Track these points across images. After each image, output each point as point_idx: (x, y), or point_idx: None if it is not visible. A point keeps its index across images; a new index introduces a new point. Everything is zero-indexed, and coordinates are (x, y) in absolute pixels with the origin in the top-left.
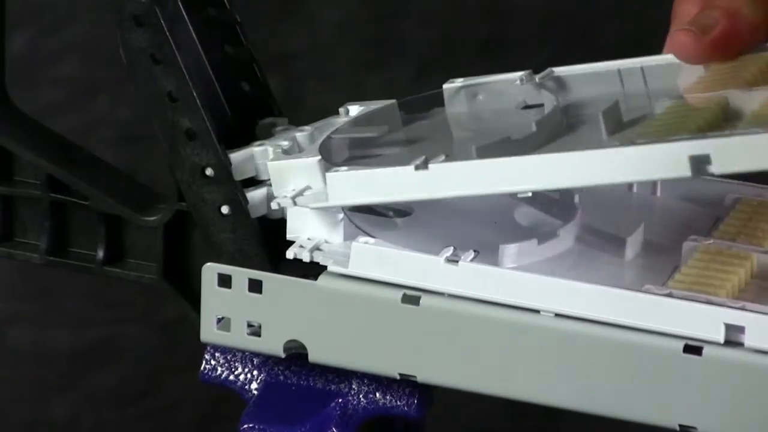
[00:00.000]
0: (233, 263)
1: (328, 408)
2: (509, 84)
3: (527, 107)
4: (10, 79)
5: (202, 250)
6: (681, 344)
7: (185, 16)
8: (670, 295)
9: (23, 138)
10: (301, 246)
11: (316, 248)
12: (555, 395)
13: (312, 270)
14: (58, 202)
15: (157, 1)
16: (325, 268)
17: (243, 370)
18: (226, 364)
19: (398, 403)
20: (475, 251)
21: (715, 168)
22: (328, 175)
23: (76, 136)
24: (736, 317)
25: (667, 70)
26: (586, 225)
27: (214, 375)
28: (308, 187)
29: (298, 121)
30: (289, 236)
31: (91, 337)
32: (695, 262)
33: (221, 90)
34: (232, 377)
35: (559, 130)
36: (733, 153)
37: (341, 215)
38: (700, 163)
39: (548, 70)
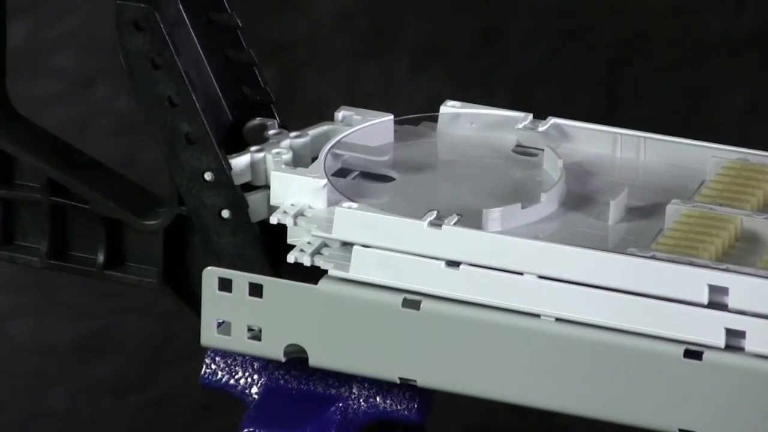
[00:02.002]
0: (234, 267)
1: (328, 412)
2: (507, 122)
3: (520, 148)
4: (9, 71)
5: (202, 254)
6: (681, 349)
7: (186, 20)
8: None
9: (24, 141)
10: (302, 250)
11: (317, 252)
12: (555, 400)
13: (312, 274)
14: (59, 205)
15: (157, 5)
16: (325, 272)
17: (243, 374)
18: (227, 369)
19: (398, 407)
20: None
21: (749, 345)
22: (337, 209)
23: (74, 126)
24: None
25: (667, 149)
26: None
27: (214, 379)
28: (309, 207)
29: (295, 112)
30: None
31: (90, 328)
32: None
33: (222, 94)
34: (232, 381)
35: (563, 199)
36: (751, 291)
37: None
38: (718, 292)
39: (550, 120)
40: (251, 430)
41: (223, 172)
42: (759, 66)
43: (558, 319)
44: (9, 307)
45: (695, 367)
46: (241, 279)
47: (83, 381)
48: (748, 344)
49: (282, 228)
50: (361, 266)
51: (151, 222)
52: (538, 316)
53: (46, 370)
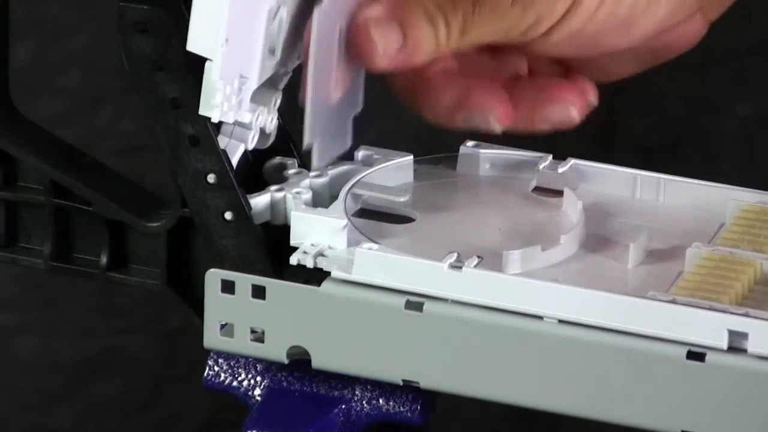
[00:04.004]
0: (236, 269)
1: (331, 414)
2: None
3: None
4: (14, 91)
5: (205, 256)
6: (684, 350)
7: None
8: (673, 302)
9: (27, 143)
10: (305, 252)
11: (320, 254)
12: (558, 401)
13: (315, 276)
14: (62, 207)
15: (161, 6)
16: (328, 273)
17: (246, 376)
18: (230, 371)
19: (401, 409)
20: (478, 257)
21: (752, 346)
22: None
23: (80, 146)
24: (739, 323)
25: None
26: (590, 232)
27: (217, 381)
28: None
29: (300, 127)
30: (292, 242)
31: (95, 347)
32: (699, 269)
33: None
34: (235, 383)
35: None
36: None
37: (345, 222)
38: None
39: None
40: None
41: (226, 173)
42: (764, 75)
43: (561, 321)
44: (14, 325)
45: (698, 368)
46: (244, 281)
47: (88, 400)
48: (751, 345)
49: (285, 230)
50: (364, 268)
51: (154, 224)
52: (540, 318)
53: (50, 388)
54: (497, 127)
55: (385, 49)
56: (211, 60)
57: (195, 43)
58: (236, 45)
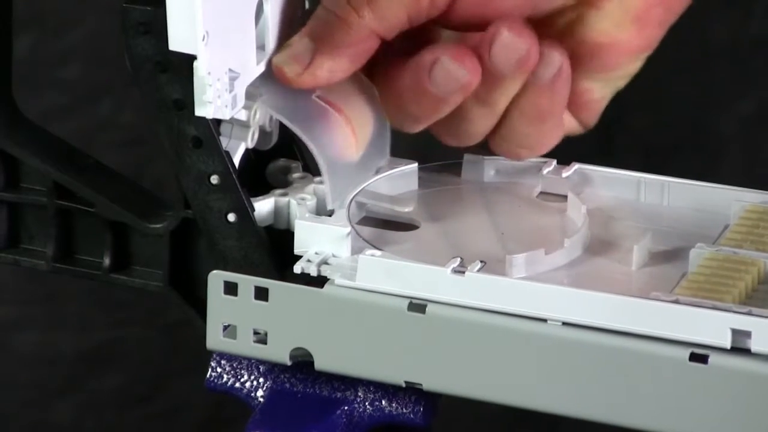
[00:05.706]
0: (239, 271)
1: (334, 416)
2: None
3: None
4: (15, 84)
5: (208, 257)
6: (687, 352)
7: None
8: (676, 302)
9: (30, 145)
10: (309, 260)
11: (324, 262)
12: (560, 403)
13: (318, 277)
14: (64, 209)
15: (164, 8)
16: None
17: (249, 377)
18: (232, 372)
19: (404, 410)
20: (481, 262)
21: (755, 345)
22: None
23: (81, 139)
24: (742, 322)
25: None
26: (594, 235)
27: (220, 382)
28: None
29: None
30: (297, 250)
31: (95, 341)
32: (702, 269)
33: None
34: (238, 384)
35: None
36: None
37: (348, 229)
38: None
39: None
40: None
41: (229, 175)
42: (765, 74)
43: (564, 323)
44: (15, 320)
45: (700, 370)
46: (247, 282)
47: (89, 393)
48: (754, 344)
49: (288, 232)
50: (368, 275)
51: (157, 225)
52: (544, 320)
53: (51, 382)
54: (462, 73)
55: (298, 69)
56: (195, 57)
57: (176, 41)
58: (221, 39)
